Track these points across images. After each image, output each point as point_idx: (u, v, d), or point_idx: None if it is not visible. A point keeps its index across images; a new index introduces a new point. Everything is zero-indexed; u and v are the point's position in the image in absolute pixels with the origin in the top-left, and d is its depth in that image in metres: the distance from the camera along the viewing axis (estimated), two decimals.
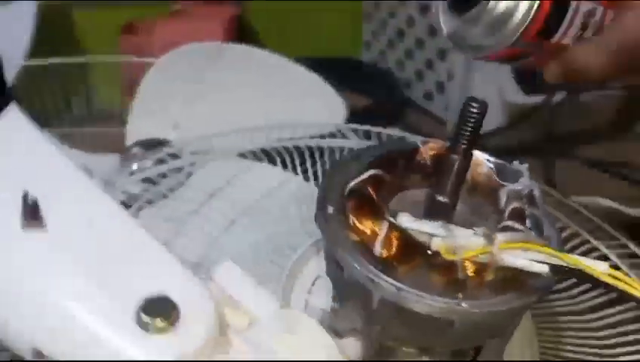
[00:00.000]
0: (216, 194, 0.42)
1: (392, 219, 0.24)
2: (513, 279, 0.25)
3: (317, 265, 0.35)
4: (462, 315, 0.24)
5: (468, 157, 0.25)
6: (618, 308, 0.32)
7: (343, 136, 0.48)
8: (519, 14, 0.28)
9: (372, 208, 0.25)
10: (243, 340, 0.23)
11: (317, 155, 0.42)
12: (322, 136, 0.45)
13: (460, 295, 0.24)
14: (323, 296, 0.32)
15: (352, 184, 0.27)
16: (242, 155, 0.43)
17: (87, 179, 0.25)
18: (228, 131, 0.47)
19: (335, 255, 0.25)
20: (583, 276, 0.22)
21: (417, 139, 0.30)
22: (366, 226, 0.25)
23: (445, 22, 0.30)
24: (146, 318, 0.21)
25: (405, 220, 0.24)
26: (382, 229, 0.24)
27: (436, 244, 0.23)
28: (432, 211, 0.27)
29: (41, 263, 0.22)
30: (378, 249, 0.24)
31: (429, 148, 0.29)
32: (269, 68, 0.65)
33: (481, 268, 0.24)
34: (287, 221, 0.40)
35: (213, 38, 0.66)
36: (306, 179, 0.42)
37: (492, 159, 0.29)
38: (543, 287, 0.24)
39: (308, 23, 0.82)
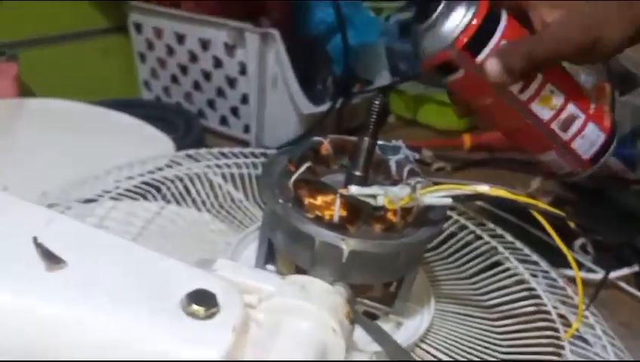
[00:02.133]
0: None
1: (342, 192, 0.32)
2: (421, 217, 0.35)
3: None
4: (405, 247, 0.33)
5: (375, 137, 0.35)
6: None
7: (179, 164, 0.53)
8: (455, 22, 0.36)
9: (322, 188, 0.33)
10: (259, 311, 0.28)
11: (177, 183, 0.47)
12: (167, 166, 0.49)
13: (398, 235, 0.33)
14: None
15: (295, 176, 0.34)
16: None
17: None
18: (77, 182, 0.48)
19: (305, 231, 0.32)
20: (473, 198, 0.33)
21: (317, 137, 0.38)
22: (320, 202, 0.32)
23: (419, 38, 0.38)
24: (194, 308, 0.25)
25: (356, 189, 0.32)
26: (336, 201, 0.32)
27: (381, 199, 0.32)
28: (352, 183, 0.35)
29: (78, 297, 0.24)
30: (337, 216, 0.32)
31: (331, 140, 0.37)
32: (77, 116, 0.65)
33: (406, 212, 0.33)
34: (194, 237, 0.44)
35: (6, 95, 0.63)
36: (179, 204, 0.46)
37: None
38: (442, 215, 0.35)
39: (79, 68, 0.82)
